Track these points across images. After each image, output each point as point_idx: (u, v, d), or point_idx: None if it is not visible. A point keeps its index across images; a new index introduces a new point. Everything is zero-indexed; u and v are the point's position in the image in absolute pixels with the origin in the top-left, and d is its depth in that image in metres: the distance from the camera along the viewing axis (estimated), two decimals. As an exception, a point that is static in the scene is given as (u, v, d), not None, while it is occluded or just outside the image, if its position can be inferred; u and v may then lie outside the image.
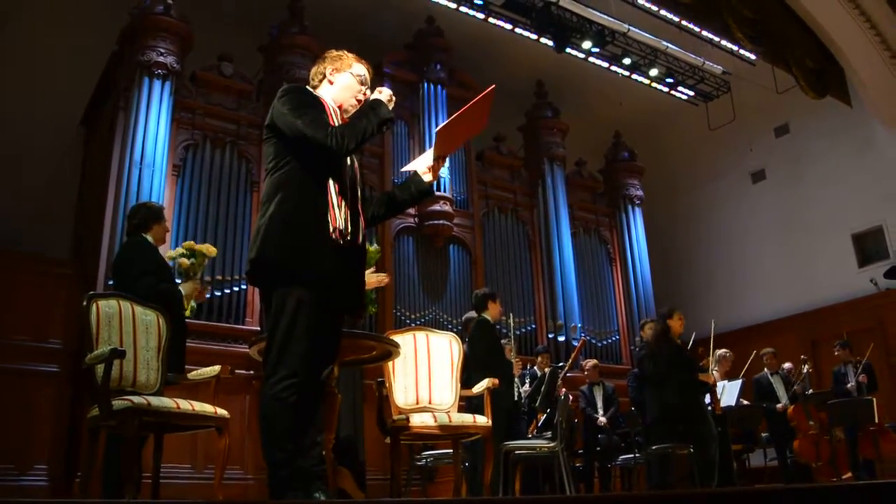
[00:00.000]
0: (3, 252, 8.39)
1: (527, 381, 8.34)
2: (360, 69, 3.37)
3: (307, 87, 3.31)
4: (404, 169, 3.49)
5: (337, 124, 3.12)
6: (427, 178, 3.36)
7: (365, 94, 3.34)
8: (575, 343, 11.37)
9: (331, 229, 2.99)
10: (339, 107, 3.29)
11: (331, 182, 3.07)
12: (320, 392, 3.13)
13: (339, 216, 3.03)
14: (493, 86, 3.30)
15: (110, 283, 7.20)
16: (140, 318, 4.02)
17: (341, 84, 3.32)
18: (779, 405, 9.12)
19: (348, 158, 3.21)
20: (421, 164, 3.41)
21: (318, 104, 3.17)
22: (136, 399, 3.58)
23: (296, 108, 3.08)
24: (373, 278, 5.18)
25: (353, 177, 3.23)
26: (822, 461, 8.91)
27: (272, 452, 2.89)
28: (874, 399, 8.70)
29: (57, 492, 7.71)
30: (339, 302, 3.11)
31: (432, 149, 3.37)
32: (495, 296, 6.76)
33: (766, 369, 9.49)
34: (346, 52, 3.41)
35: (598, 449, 8.71)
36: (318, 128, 3.02)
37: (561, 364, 8.73)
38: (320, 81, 3.34)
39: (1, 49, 9.57)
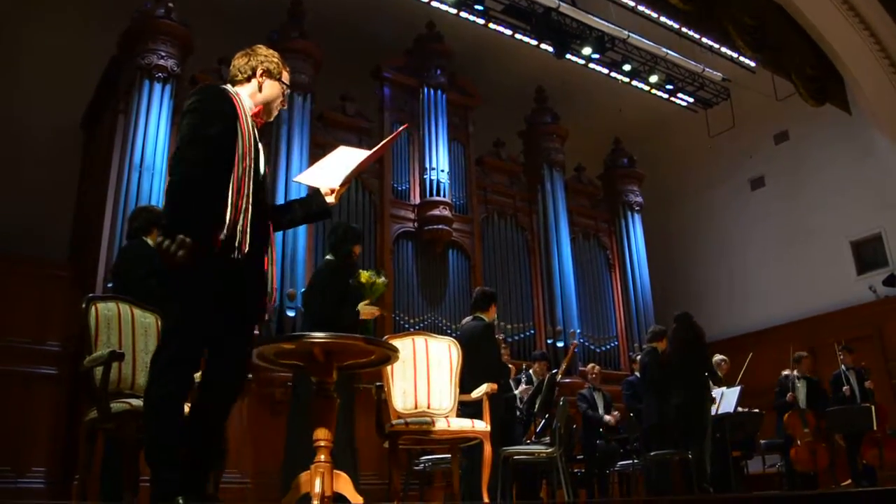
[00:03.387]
0: (2, 254, 8.39)
1: (522, 382, 8.31)
2: (287, 79, 3.36)
3: (223, 86, 3.23)
4: (298, 179, 3.45)
5: (249, 128, 3.10)
6: (330, 199, 3.30)
7: (283, 103, 3.35)
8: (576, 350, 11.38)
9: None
10: (260, 109, 3.25)
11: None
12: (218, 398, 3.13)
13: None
14: (406, 125, 3.54)
15: (109, 285, 7.20)
16: (139, 321, 4.02)
17: (269, 90, 3.28)
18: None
19: (258, 162, 3.15)
20: (323, 182, 3.33)
21: (212, 113, 3.07)
22: (135, 402, 3.58)
23: (193, 108, 3.06)
24: (367, 310, 5.28)
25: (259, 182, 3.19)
26: (819, 469, 8.91)
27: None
28: (872, 406, 8.72)
29: (55, 494, 7.70)
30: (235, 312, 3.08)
31: (337, 169, 3.34)
32: (496, 298, 6.74)
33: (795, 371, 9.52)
34: (276, 55, 3.37)
35: (597, 455, 8.69)
36: (189, 144, 2.99)
37: (554, 371, 8.73)
38: (248, 79, 3.26)
39: (1, 51, 9.59)
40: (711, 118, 13.85)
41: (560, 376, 8.08)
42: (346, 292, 5.27)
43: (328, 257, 5.50)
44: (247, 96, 3.23)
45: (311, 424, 3.31)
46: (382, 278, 5.43)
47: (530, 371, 8.52)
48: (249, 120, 3.14)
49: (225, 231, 2.94)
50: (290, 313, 8.99)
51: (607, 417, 8.85)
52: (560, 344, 11.29)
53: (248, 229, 3.00)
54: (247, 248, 2.98)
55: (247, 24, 10.68)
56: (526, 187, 12.59)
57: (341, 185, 3.31)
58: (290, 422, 5.38)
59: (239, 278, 3.01)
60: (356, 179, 3.38)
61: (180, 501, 2.76)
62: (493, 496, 5.96)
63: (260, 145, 3.22)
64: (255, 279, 3.12)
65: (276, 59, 3.35)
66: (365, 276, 5.37)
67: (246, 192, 3.02)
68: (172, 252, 2.85)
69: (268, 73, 3.28)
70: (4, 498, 7.43)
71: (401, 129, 3.42)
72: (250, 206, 3.02)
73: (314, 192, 3.36)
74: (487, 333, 6.29)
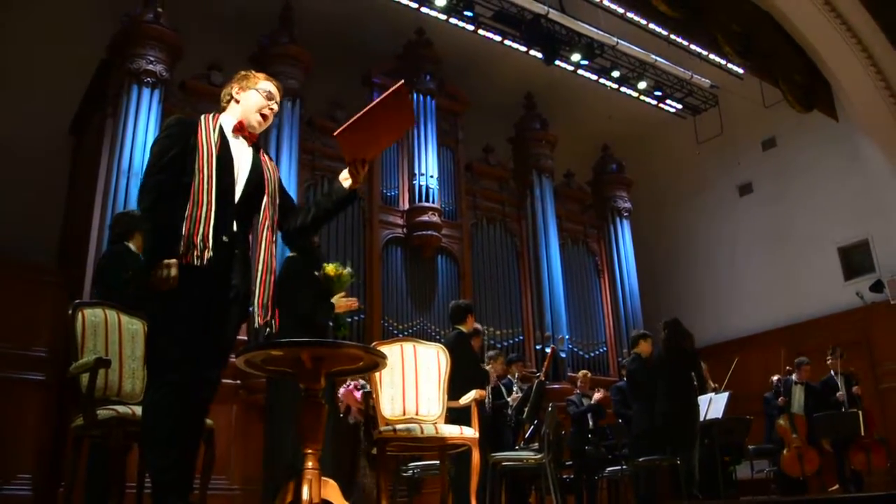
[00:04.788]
0: (-11, 259, 8.36)
1: (514, 390, 8.33)
2: (267, 86, 3.47)
3: (208, 115, 3.37)
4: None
5: (210, 142, 3.21)
6: (347, 183, 3.35)
7: (272, 108, 3.44)
8: (562, 355, 11.39)
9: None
10: (241, 122, 3.38)
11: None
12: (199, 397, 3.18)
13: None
14: (402, 81, 3.27)
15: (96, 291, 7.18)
16: (126, 328, 4.01)
17: (246, 101, 3.41)
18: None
19: (228, 173, 3.26)
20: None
21: (171, 141, 3.23)
22: (121, 409, 3.58)
23: (155, 140, 3.34)
24: (342, 302, 5.24)
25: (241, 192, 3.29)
26: (807, 474, 8.94)
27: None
28: (860, 412, 8.76)
29: (41, 501, 7.65)
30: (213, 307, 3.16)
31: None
32: (473, 310, 6.87)
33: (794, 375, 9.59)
34: (253, 72, 3.52)
35: (585, 460, 8.70)
36: (152, 163, 3.22)
37: (537, 373, 8.75)
38: (228, 102, 3.45)
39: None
40: (699, 124, 13.90)
41: (542, 378, 8.09)
42: (317, 286, 5.22)
43: (291, 255, 5.42)
44: (229, 117, 3.40)
45: (296, 427, 3.31)
46: (348, 269, 5.41)
47: (508, 377, 8.51)
48: (215, 135, 3.25)
49: (182, 243, 3.04)
50: (279, 319, 8.96)
51: (596, 395, 8.89)
52: (549, 350, 11.30)
53: (210, 238, 3.08)
54: (208, 256, 3.06)
55: (237, 30, 10.69)
56: (515, 193, 12.61)
57: (353, 165, 3.30)
58: (266, 425, 5.32)
59: (206, 284, 3.10)
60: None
61: None
62: (482, 502, 5.97)
63: (239, 156, 3.33)
64: (224, 285, 3.18)
65: (249, 73, 3.51)
66: (331, 268, 5.34)
67: (204, 202, 3.11)
68: (165, 277, 2.99)
69: (242, 88, 3.44)
70: (-10, 505, 7.39)
71: (397, 84, 3.19)
72: (211, 216, 3.11)
73: (335, 182, 3.42)
74: (459, 341, 6.41)
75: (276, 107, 3.47)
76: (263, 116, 3.42)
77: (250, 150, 3.38)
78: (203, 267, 3.04)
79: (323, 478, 3.24)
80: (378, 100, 3.22)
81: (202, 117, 3.32)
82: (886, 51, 11.01)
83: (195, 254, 3.03)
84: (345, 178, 3.36)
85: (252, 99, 3.41)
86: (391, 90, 3.19)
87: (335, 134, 3.23)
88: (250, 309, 3.25)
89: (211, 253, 3.06)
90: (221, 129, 3.31)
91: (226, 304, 3.18)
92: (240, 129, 3.37)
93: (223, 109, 3.44)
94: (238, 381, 8.43)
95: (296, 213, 3.46)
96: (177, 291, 3.02)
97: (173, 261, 3.01)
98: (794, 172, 13.07)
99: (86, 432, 3.69)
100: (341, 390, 5.31)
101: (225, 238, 3.14)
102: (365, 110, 3.19)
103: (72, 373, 3.68)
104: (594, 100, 13.17)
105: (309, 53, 10.40)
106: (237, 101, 3.42)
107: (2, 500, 7.49)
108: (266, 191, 3.34)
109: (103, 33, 9.44)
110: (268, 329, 3.26)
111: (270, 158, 3.52)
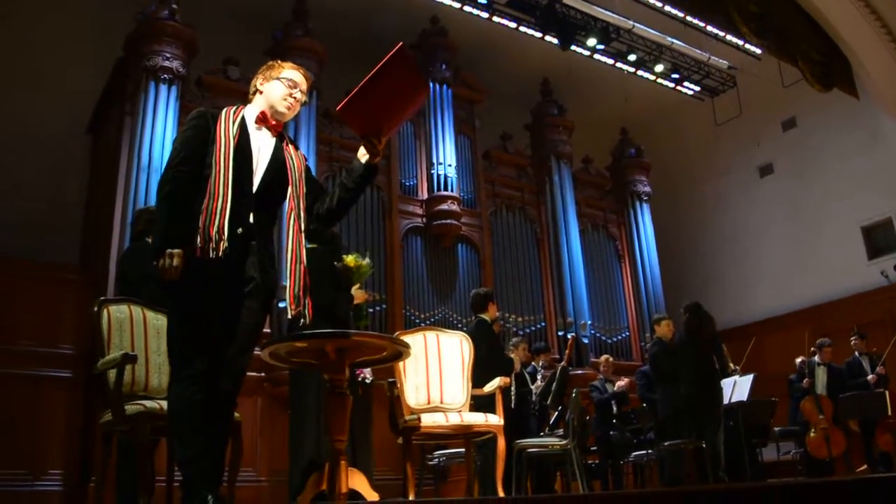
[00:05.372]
0: (12, 259, 8.44)
1: (538, 377, 8.34)
2: (292, 74, 3.44)
3: (223, 109, 3.35)
4: None
5: (228, 135, 3.20)
6: (365, 159, 3.32)
7: (296, 96, 3.41)
8: (585, 340, 11.38)
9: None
10: (264, 113, 3.36)
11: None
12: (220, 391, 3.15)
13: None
14: (401, 43, 3.09)
15: (120, 288, 7.23)
16: (151, 323, 4.04)
17: (269, 90, 3.39)
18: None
19: (247, 165, 3.24)
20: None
21: (193, 133, 3.25)
22: (149, 403, 3.60)
23: (178, 134, 3.37)
24: (358, 294, 5.26)
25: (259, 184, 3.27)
26: (834, 455, 8.89)
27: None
28: (887, 392, 8.70)
29: (71, 497, 7.75)
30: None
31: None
32: (494, 297, 6.89)
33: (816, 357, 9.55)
34: (279, 62, 3.51)
35: (610, 445, 8.70)
36: (173, 156, 3.26)
37: (559, 358, 8.74)
38: (253, 94, 3.45)
39: (7, 56, 9.61)
40: (718, 106, 13.80)
41: (565, 365, 8.09)
42: (337, 277, 5.22)
43: (309, 246, 5.41)
44: (253, 108, 3.40)
45: (319, 420, 3.32)
46: (367, 260, 5.41)
47: (532, 364, 8.51)
48: (234, 127, 3.24)
49: (199, 236, 3.03)
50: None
51: (619, 383, 8.88)
52: (570, 336, 11.29)
53: (226, 230, 3.06)
54: (224, 247, 3.04)
55: (252, 24, 10.71)
56: (534, 180, 12.58)
57: (367, 141, 3.27)
58: (291, 417, 5.34)
59: (221, 277, 3.08)
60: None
61: (210, 500, 2.88)
62: (508, 489, 5.97)
63: (260, 147, 3.30)
64: (239, 277, 3.15)
65: (274, 63, 3.50)
66: (351, 259, 5.34)
67: (220, 194, 3.09)
68: (168, 266, 3.00)
69: (266, 79, 3.43)
70: (22, 501, 7.48)
71: (396, 47, 3.01)
72: (227, 208, 3.09)
73: (354, 161, 3.40)
74: (482, 329, 6.39)
75: (300, 95, 3.43)
76: (288, 105, 3.39)
77: (273, 140, 3.35)
78: (219, 259, 3.03)
79: (350, 468, 3.25)
80: (377, 68, 3.04)
81: (224, 110, 3.31)
82: (906, 26, 10.88)
83: (211, 246, 3.02)
84: (362, 155, 3.34)
85: (274, 89, 3.38)
86: (389, 54, 3.02)
87: (337, 109, 3.17)
88: (278, 302, 3.26)
89: (227, 244, 3.05)
90: (243, 120, 3.30)
91: (241, 295, 3.16)
92: (262, 119, 3.35)
93: (250, 101, 3.44)
94: (263, 374, 8.48)
95: (324, 198, 3.44)
96: (192, 284, 3.02)
97: (177, 250, 3.00)
98: (815, 152, 12.95)
99: (114, 427, 3.72)
100: None
101: (240, 230, 3.12)
102: (364, 81, 3.07)
103: (99, 369, 3.71)
104: (611, 84, 13.09)
105: (323, 45, 10.40)
106: (260, 93, 3.41)
107: (33, 496, 7.59)
108: (289, 181, 3.32)
109: (119, 31, 9.48)
110: (301, 320, 3.23)
111: (297, 148, 3.48)
